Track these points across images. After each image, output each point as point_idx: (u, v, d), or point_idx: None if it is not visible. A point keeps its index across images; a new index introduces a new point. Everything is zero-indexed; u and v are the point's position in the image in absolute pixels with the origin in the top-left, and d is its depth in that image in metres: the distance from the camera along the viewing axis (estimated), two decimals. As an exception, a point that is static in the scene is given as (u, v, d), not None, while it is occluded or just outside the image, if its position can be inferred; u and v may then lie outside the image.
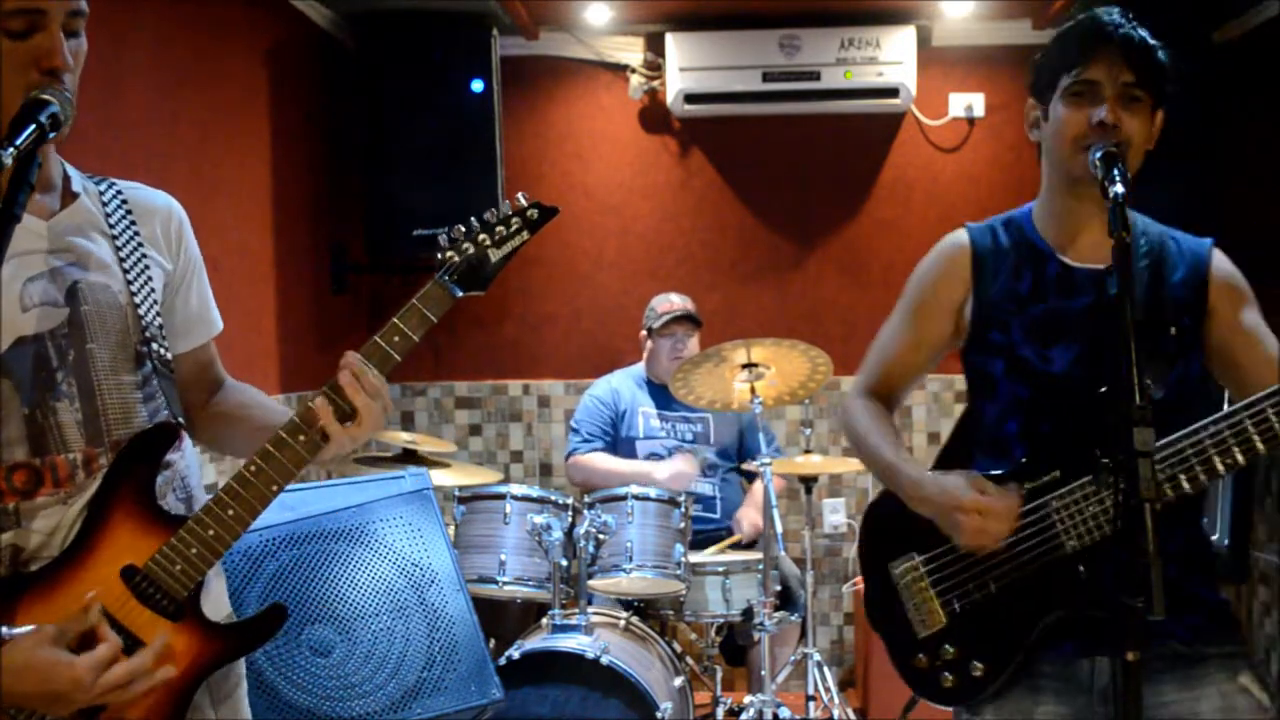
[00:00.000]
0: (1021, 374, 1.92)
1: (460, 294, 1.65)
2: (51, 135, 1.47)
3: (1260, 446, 1.73)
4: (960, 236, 2.03)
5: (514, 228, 1.67)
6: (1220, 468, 1.75)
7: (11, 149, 1.40)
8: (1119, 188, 1.69)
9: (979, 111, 4.90)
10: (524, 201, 1.69)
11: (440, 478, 3.72)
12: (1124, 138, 1.81)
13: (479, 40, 4.45)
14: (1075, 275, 1.92)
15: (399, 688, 2.50)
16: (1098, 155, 1.76)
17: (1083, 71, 1.84)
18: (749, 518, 4.13)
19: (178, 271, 1.77)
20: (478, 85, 4.44)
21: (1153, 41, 1.86)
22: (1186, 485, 1.77)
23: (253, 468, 1.60)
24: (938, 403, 4.98)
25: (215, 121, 3.64)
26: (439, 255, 1.66)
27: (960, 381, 4.99)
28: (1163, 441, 1.74)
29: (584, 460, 4.23)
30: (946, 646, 1.94)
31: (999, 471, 1.90)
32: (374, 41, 4.48)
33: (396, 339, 1.64)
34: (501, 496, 3.51)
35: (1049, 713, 1.87)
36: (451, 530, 3.46)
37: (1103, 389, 1.77)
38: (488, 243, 1.66)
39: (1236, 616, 1.93)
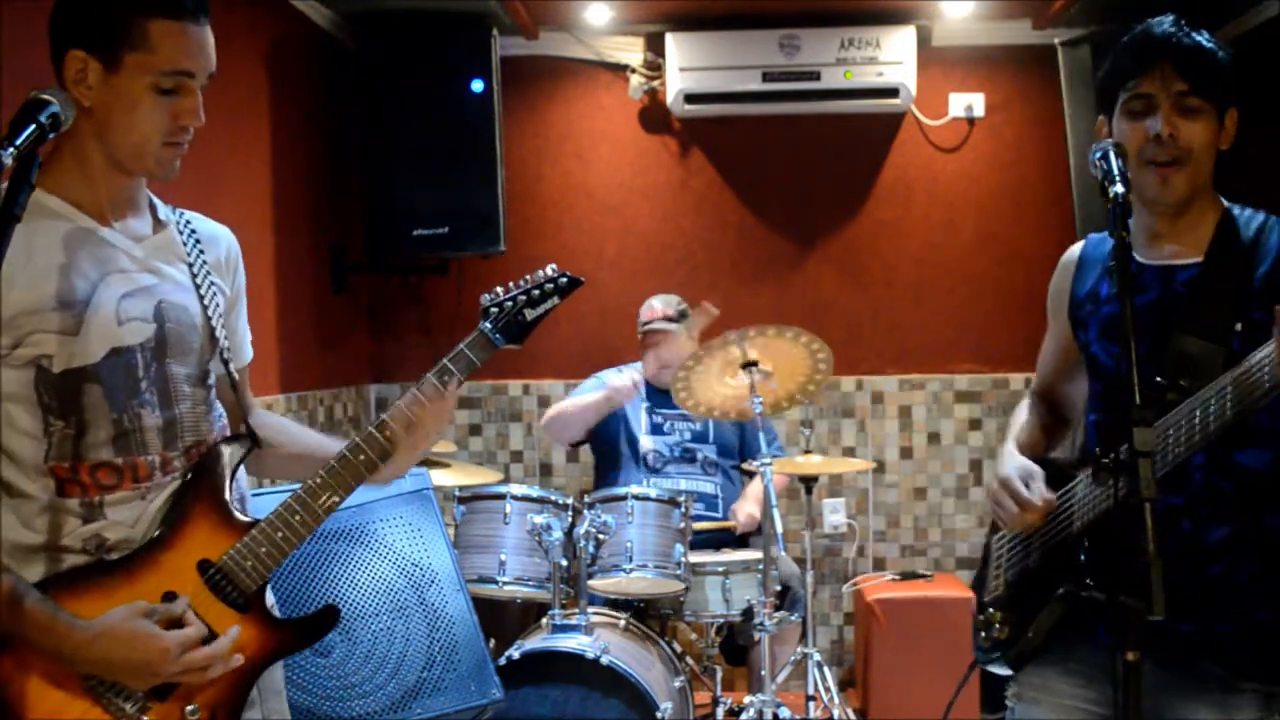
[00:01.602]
0: (1095, 371, 1.99)
1: (502, 344, 1.89)
2: (51, 135, 1.49)
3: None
4: (1076, 244, 2.11)
5: (546, 291, 1.92)
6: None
7: (11, 149, 1.42)
8: (1119, 188, 1.68)
9: (979, 111, 4.90)
10: (554, 271, 1.94)
11: (440, 478, 3.72)
12: (1182, 148, 1.83)
13: (479, 40, 4.45)
14: (1144, 272, 1.91)
15: (399, 688, 2.51)
16: (1097, 155, 1.76)
17: (1137, 85, 1.86)
18: (744, 509, 4.12)
19: (230, 297, 1.90)
20: (478, 85, 4.43)
21: (1208, 45, 1.86)
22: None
23: (317, 480, 1.77)
24: (938, 403, 4.98)
25: (215, 121, 3.62)
26: (483, 308, 1.89)
27: (960, 381, 5.03)
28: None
29: (551, 411, 4.28)
30: (991, 610, 2.09)
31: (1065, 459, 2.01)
32: (374, 41, 4.48)
33: (445, 378, 1.85)
34: (501, 496, 3.51)
35: (1079, 695, 1.93)
36: (451, 530, 3.46)
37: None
38: (525, 301, 1.90)
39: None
